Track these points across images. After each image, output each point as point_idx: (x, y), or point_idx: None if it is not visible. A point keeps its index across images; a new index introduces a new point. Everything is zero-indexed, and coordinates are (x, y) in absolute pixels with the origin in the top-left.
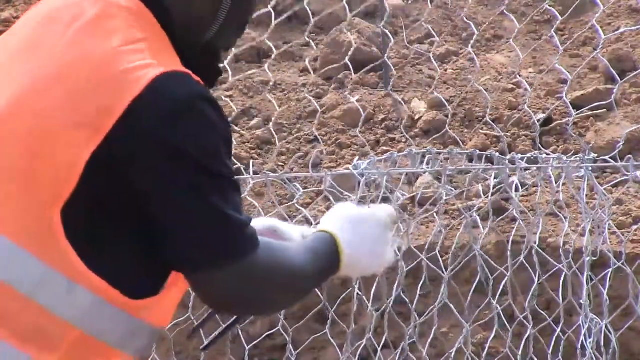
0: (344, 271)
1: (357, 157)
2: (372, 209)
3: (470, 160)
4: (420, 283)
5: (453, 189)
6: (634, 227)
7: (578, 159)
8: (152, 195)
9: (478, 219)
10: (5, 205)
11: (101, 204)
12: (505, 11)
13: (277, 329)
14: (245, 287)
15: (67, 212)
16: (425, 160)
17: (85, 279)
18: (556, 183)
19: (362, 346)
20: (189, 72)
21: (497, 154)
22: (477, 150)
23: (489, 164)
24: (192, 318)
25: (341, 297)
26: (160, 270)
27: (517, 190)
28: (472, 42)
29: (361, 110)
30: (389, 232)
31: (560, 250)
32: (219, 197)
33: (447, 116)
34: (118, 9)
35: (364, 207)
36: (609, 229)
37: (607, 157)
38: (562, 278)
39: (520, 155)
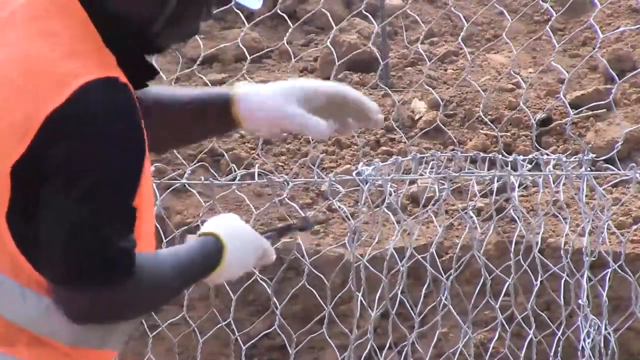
0: (218, 273)
1: (360, 163)
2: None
3: (473, 162)
4: (425, 284)
5: (452, 189)
6: (634, 227)
7: (577, 159)
8: (42, 200)
9: (475, 219)
10: None
11: (34, 208)
12: (504, 11)
13: (273, 328)
14: (104, 309)
15: (10, 218)
16: (430, 165)
17: (34, 283)
18: (554, 183)
19: (368, 346)
20: (117, 76)
21: (500, 156)
22: (481, 153)
23: (491, 166)
24: (188, 319)
25: (338, 297)
26: None
27: (516, 189)
28: (461, 36)
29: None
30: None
31: (561, 251)
32: (100, 219)
33: (447, 116)
34: (46, 3)
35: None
36: (608, 229)
37: (606, 157)
38: (562, 278)
39: (521, 157)
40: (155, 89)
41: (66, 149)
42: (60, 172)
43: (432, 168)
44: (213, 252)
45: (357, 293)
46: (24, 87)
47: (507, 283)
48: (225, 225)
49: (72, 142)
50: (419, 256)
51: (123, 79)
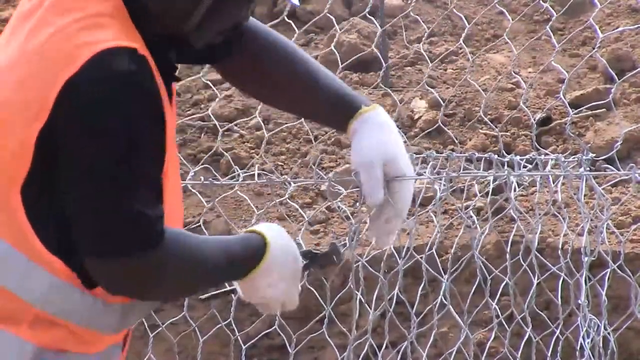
0: (253, 279)
1: None
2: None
3: (470, 162)
4: (422, 284)
5: (451, 189)
6: (633, 226)
7: (576, 159)
8: (64, 173)
9: (475, 218)
10: None
11: (53, 183)
12: (504, 11)
13: (273, 328)
14: (139, 280)
15: (26, 193)
16: (429, 165)
17: (43, 261)
18: (554, 183)
19: (366, 346)
20: (135, 46)
21: (496, 156)
22: (476, 153)
23: (490, 166)
24: (188, 318)
25: (338, 297)
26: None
27: (515, 189)
28: (463, 36)
29: None
30: (297, 280)
31: (559, 251)
32: (123, 187)
33: (447, 116)
34: None
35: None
36: (608, 229)
37: (606, 157)
38: (561, 278)
39: (519, 157)
40: (295, 53)
41: (82, 118)
42: (79, 143)
43: (432, 167)
44: (255, 247)
45: (357, 292)
46: (41, 60)
47: (504, 283)
48: (274, 230)
49: (87, 111)
50: (418, 256)
51: (143, 50)
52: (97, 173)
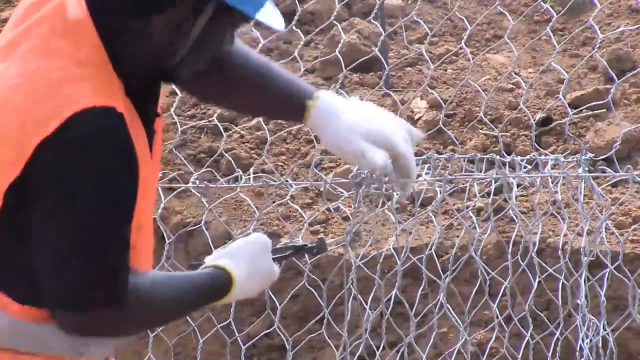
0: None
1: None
2: (248, 240)
3: (472, 162)
4: (421, 284)
5: (452, 190)
6: (633, 226)
7: (575, 159)
8: (35, 227)
9: (475, 219)
10: None
11: (17, 230)
12: (504, 11)
13: (273, 328)
14: (107, 330)
15: None
16: (427, 167)
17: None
18: (553, 183)
19: (361, 347)
20: (112, 105)
21: (497, 156)
22: (478, 154)
23: (490, 166)
24: (188, 318)
25: (337, 297)
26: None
27: (516, 189)
28: (464, 38)
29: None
30: (267, 254)
31: (559, 252)
32: (92, 246)
33: (447, 116)
34: (62, 25)
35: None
36: (607, 230)
37: (604, 157)
38: (561, 278)
39: (519, 158)
40: (245, 53)
41: (55, 179)
42: (51, 202)
43: (429, 169)
44: (221, 285)
45: (355, 293)
46: (22, 110)
47: (505, 283)
48: (236, 257)
49: (59, 171)
50: (414, 259)
51: (120, 107)
52: (67, 231)
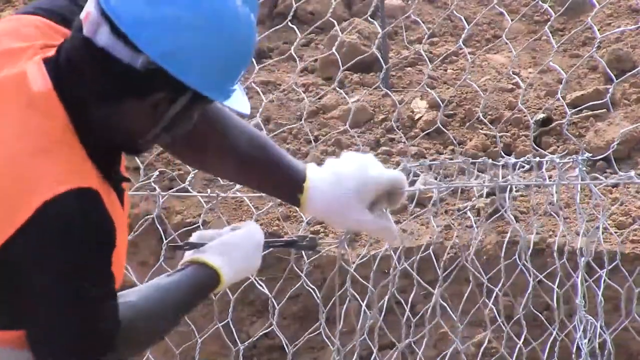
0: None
1: None
2: (243, 235)
3: (473, 162)
4: (424, 284)
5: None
6: (632, 226)
7: (572, 159)
8: (22, 296)
9: (473, 220)
10: None
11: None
12: (504, 11)
13: (271, 328)
14: None
15: None
16: (421, 174)
17: None
18: (551, 183)
19: (361, 347)
20: (85, 185)
21: (490, 160)
22: (470, 159)
23: (491, 166)
24: (187, 319)
25: (334, 298)
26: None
27: (512, 191)
28: (462, 37)
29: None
30: (259, 251)
31: (554, 253)
32: (77, 309)
33: (447, 116)
34: (27, 97)
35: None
36: (607, 230)
37: (602, 157)
38: (558, 279)
39: (515, 160)
40: (233, 122)
41: (35, 260)
42: (34, 276)
43: (429, 172)
44: (208, 284)
45: (353, 294)
46: None
47: (503, 284)
48: (228, 254)
49: (40, 254)
50: (408, 262)
51: (95, 184)
52: (51, 299)
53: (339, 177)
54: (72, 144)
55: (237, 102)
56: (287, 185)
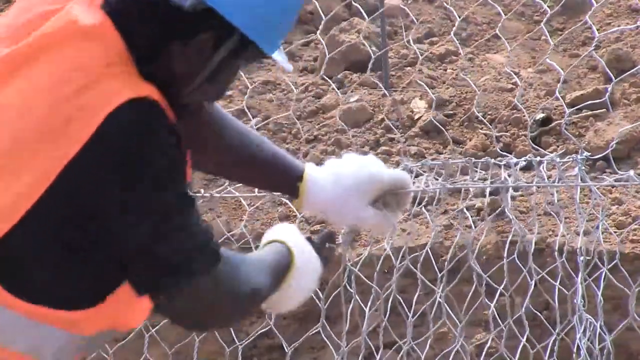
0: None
1: None
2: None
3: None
4: (424, 284)
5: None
6: (632, 226)
7: (570, 159)
8: (110, 219)
9: (471, 220)
10: None
11: (46, 233)
12: (503, 12)
13: (270, 327)
14: (206, 303)
15: (10, 235)
16: (425, 173)
17: (8, 303)
18: (550, 183)
19: (361, 346)
20: (147, 94)
21: (493, 160)
22: (473, 159)
23: (483, 171)
24: None
25: (331, 297)
26: (102, 285)
27: (514, 190)
28: (457, 32)
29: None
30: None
31: (555, 252)
32: (171, 216)
33: (446, 116)
34: (81, 31)
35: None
36: (607, 229)
37: (602, 157)
38: (559, 279)
39: (515, 160)
40: (229, 122)
41: (121, 162)
42: (126, 185)
43: (430, 170)
44: (284, 255)
45: (353, 294)
46: (50, 121)
47: (503, 283)
48: (291, 235)
49: (126, 153)
50: (407, 259)
51: (155, 95)
52: (150, 209)
53: (339, 174)
54: (130, 70)
55: (281, 57)
56: (285, 180)
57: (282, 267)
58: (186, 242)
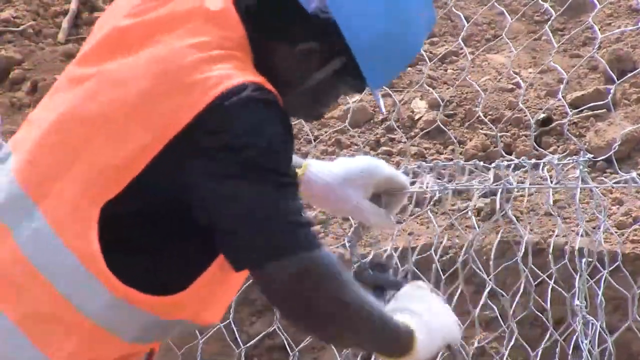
0: None
1: None
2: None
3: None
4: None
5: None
6: (633, 226)
7: (572, 160)
8: (211, 194)
9: (474, 220)
10: (62, 192)
11: (147, 208)
12: (505, 11)
13: (273, 328)
14: (305, 283)
15: (108, 211)
16: (427, 174)
17: (103, 276)
18: (552, 183)
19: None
20: (259, 81)
21: (494, 161)
22: (476, 161)
23: (485, 173)
24: None
25: None
26: (194, 267)
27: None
28: (462, 36)
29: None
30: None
31: (555, 253)
32: (278, 192)
33: (447, 116)
34: (206, 15)
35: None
36: (608, 230)
37: (604, 158)
38: (559, 280)
39: (516, 160)
40: None
41: (230, 139)
42: (226, 161)
43: (431, 171)
44: (402, 339)
45: None
46: (167, 88)
47: (504, 284)
48: (421, 315)
49: (236, 131)
50: (411, 260)
51: (267, 85)
52: (259, 181)
53: (337, 166)
54: (245, 58)
55: (379, 96)
56: None
57: (398, 337)
58: (288, 217)
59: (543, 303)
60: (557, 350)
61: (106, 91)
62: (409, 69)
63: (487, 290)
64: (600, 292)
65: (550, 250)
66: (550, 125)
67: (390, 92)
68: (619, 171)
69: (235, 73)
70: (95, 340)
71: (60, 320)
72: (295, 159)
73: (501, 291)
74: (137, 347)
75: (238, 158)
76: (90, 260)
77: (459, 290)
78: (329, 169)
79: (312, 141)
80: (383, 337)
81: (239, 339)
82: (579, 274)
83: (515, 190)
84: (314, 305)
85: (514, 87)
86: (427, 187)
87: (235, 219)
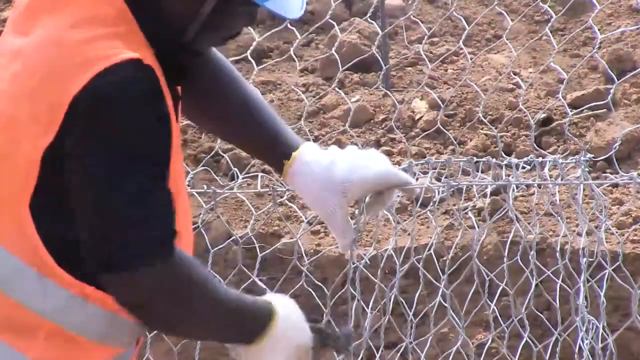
0: (259, 346)
1: None
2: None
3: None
4: (426, 285)
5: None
6: (634, 226)
7: (574, 160)
8: (73, 188)
9: (474, 220)
10: None
11: (64, 197)
12: (504, 11)
13: None
14: (147, 295)
15: (35, 207)
16: (429, 173)
17: (55, 275)
18: (552, 184)
19: (362, 347)
20: (141, 57)
21: (494, 160)
22: (474, 158)
23: (489, 167)
24: None
25: (337, 296)
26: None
27: (514, 191)
28: (463, 37)
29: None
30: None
31: (557, 253)
32: (132, 195)
33: (447, 116)
34: None
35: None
36: (608, 230)
37: (604, 158)
38: (560, 279)
39: (517, 160)
40: (235, 80)
41: (90, 132)
42: (87, 157)
43: (432, 172)
44: (262, 313)
45: (354, 294)
46: (49, 74)
47: (504, 283)
48: (284, 304)
49: (95, 123)
50: (412, 260)
51: (148, 60)
52: (105, 183)
53: (329, 165)
54: (132, 31)
55: (281, 4)
56: (275, 150)
57: (256, 317)
58: (137, 224)
59: (545, 302)
60: (558, 350)
61: (8, 81)
62: (409, 68)
63: (486, 290)
64: (602, 292)
65: (558, 248)
66: (551, 125)
67: (390, 92)
68: (619, 171)
69: (114, 52)
70: (61, 340)
71: (21, 324)
72: (293, 139)
73: (502, 291)
74: (109, 350)
75: (106, 144)
76: (39, 262)
77: (459, 290)
78: (318, 161)
79: (313, 141)
80: (238, 323)
81: None
82: (580, 274)
83: (517, 190)
84: (162, 314)
85: (514, 87)
86: (426, 187)
87: (88, 220)
